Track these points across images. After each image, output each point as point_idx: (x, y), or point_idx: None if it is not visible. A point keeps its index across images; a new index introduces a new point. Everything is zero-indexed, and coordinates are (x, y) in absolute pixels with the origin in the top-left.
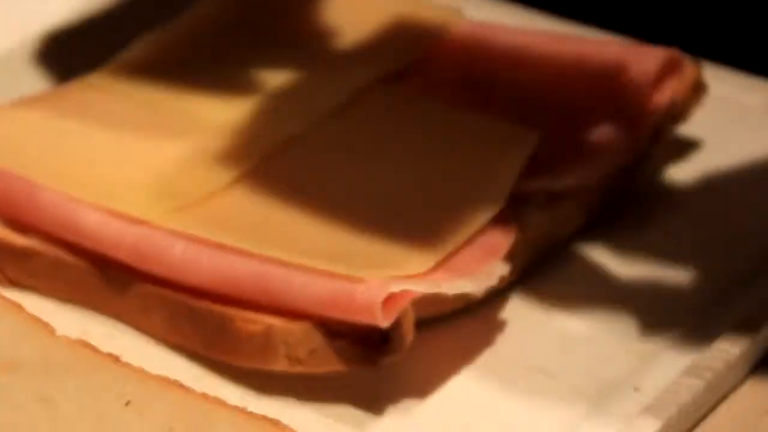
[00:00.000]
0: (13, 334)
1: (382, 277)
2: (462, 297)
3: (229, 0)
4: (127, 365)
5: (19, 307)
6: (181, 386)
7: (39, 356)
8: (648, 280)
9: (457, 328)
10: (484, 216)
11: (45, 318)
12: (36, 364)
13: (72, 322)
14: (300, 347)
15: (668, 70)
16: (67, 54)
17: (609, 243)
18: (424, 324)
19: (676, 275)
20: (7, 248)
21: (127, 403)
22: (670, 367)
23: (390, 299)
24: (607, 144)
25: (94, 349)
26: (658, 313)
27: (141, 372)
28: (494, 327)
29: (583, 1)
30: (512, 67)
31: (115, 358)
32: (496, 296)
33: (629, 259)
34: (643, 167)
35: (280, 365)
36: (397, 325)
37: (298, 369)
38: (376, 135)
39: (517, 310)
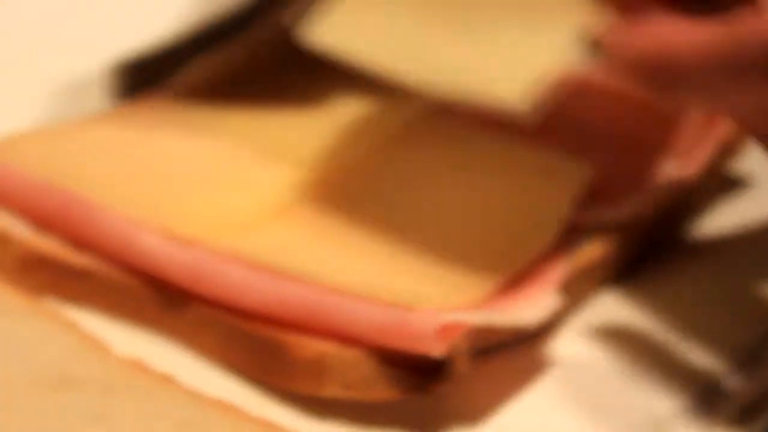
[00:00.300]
0: (69, 352)
1: (435, 306)
2: (514, 328)
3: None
4: (182, 387)
5: (75, 326)
6: (236, 409)
7: (95, 375)
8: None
9: (509, 359)
10: (537, 247)
11: (100, 337)
12: (91, 383)
13: (127, 341)
14: (353, 374)
15: None
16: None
17: (657, 278)
18: (477, 353)
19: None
20: (65, 267)
21: (182, 425)
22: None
23: (443, 329)
24: (662, 176)
25: (150, 370)
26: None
27: (196, 394)
28: (546, 358)
29: None
30: (568, 96)
31: (170, 379)
32: (548, 327)
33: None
34: (697, 202)
35: (334, 391)
36: (450, 354)
37: (352, 395)
38: (431, 164)
39: (570, 342)
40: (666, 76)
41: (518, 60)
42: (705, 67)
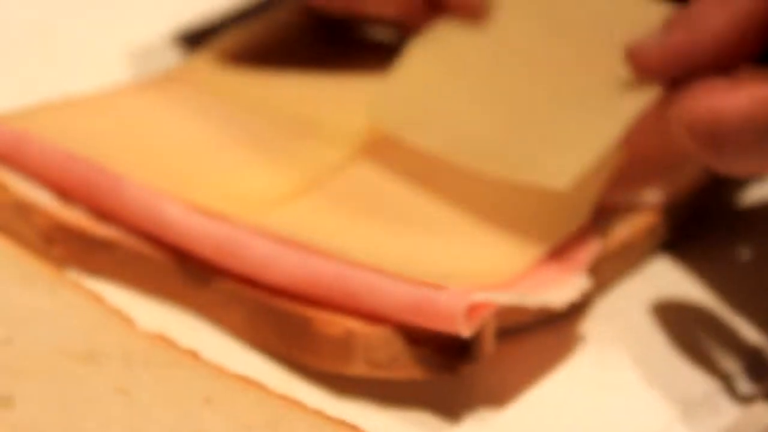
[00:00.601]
0: (93, 325)
1: (465, 285)
2: (544, 309)
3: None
4: (206, 362)
5: (99, 298)
6: (260, 385)
7: (118, 348)
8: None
9: (536, 339)
10: (569, 227)
11: (124, 309)
12: (115, 356)
13: (152, 314)
14: (379, 352)
15: None
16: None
17: (688, 260)
18: (503, 333)
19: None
20: (90, 238)
21: (206, 400)
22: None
23: (472, 308)
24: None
25: (174, 344)
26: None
27: (220, 369)
28: (574, 339)
29: None
30: None
31: (195, 354)
32: (577, 308)
33: (710, 275)
34: (727, 185)
35: (359, 369)
36: (477, 334)
37: (377, 374)
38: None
39: (597, 323)
40: (715, 139)
41: (567, 143)
42: (749, 129)
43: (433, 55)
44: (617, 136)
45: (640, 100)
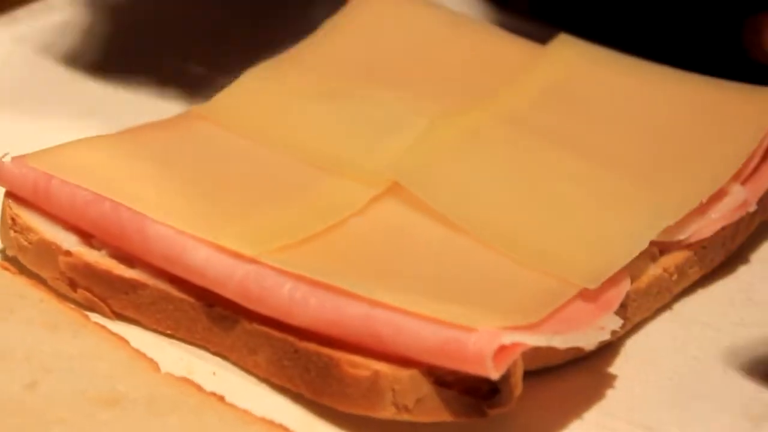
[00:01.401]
0: (118, 369)
1: (493, 327)
2: (572, 349)
3: (336, 38)
4: (231, 406)
5: (124, 342)
6: (286, 429)
7: (142, 393)
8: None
9: (565, 380)
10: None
11: (149, 353)
12: (139, 401)
13: (175, 357)
14: (407, 395)
15: None
16: None
17: (718, 299)
18: (532, 374)
19: None
20: (114, 280)
21: None
22: None
23: (501, 350)
24: (723, 198)
25: (199, 388)
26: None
27: (245, 414)
28: (603, 379)
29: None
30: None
31: (220, 398)
32: (608, 347)
33: (739, 314)
34: (760, 223)
35: (387, 412)
36: (506, 376)
37: (405, 417)
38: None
39: (628, 362)
40: None
41: (600, 243)
42: None
43: (464, 126)
44: (651, 239)
45: (680, 209)
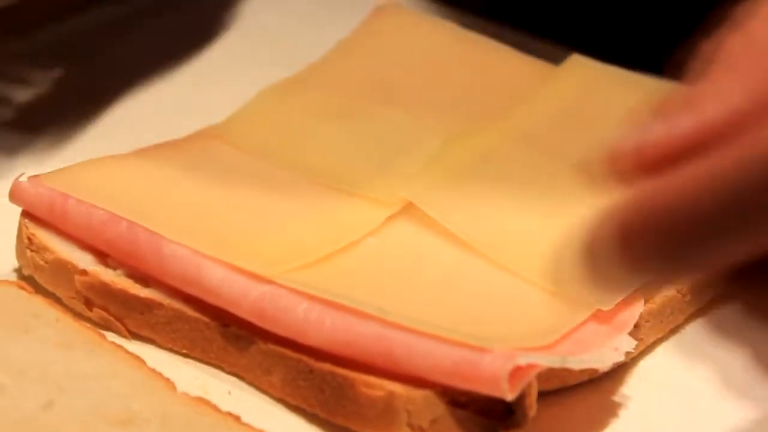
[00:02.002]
0: (133, 388)
1: (508, 348)
2: (587, 370)
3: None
4: (247, 426)
5: (140, 361)
6: None
7: (157, 412)
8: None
9: (579, 400)
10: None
11: (164, 372)
12: (153, 420)
13: (191, 377)
14: (422, 415)
15: None
16: None
17: (731, 321)
18: (546, 395)
19: None
20: (130, 299)
21: None
22: None
23: (515, 371)
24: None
25: (215, 408)
26: None
27: None
28: (617, 400)
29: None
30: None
31: (236, 418)
32: (621, 368)
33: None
34: None
35: None
36: (521, 397)
37: None
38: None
39: (641, 383)
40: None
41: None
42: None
43: (478, 146)
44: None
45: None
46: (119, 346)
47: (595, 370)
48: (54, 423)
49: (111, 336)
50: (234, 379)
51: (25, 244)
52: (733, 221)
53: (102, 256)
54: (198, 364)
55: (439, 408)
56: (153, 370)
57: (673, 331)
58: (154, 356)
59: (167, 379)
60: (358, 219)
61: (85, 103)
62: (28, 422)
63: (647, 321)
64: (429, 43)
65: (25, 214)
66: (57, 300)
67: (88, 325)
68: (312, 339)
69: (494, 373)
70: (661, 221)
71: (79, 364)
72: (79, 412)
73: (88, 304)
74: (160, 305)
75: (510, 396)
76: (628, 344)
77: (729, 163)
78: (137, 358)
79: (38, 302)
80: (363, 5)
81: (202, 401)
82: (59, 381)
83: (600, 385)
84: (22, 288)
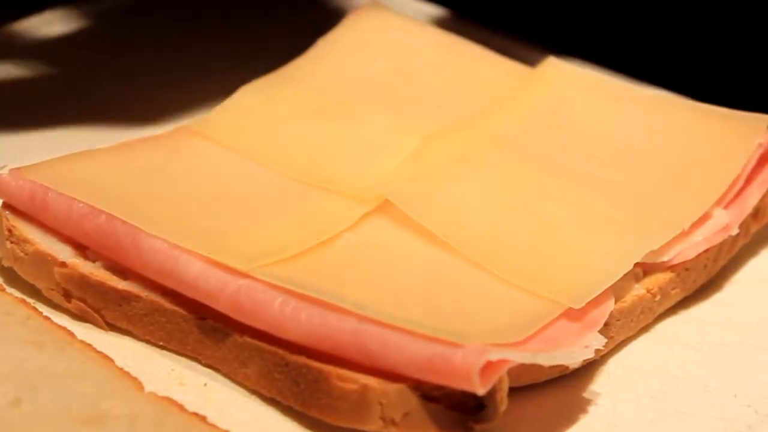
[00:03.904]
0: (102, 387)
1: (480, 343)
2: (557, 367)
3: (329, 57)
4: (213, 427)
5: (109, 361)
6: None
7: (125, 411)
8: (740, 356)
9: (550, 397)
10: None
11: (140, 364)
12: (121, 419)
13: (167, 369)
14: (395, 409)
15: None
16: None
17: (700, 319)
18: (517, 391)
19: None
20: (108, 291)
21: None
22: None
23: (487, 366)
24: (706, 221)
25: (181, 408)
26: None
27: None
28: (587, 397)
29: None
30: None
31: (202, 419)
32: (591, 365)
33: (720, 334)
34: (742, 246)
35: (374, 426)
36: (492, 392)
37: (392, 430)
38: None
39: (610, 380)
40: None
41: (586, 265)
42: None
43: (454, 146)
44: (636, 261)
45: (665, 234)
46: (89, 345)
47: (565, 367)
48: (22, 421)
49: (82, 334)
50: (210, 371)
51: (5, 236)
52: None
53: (81, 249)
54: (174, 356)
55: (412, 402)
56: (122, 370)
57: (643, 329)
58: (131, 348)
59: (135, 379)
60: (335, 215)
61: (66, 97)
62: None
63: (617, 319)
64: (408, 43)
65: (6, 206)
66: (32, 294)
67: (59, 324)
68: (287, 333)
69: (466, 368)
70: None
71: (48, 363)
72: (48, 411)
73: (67, 295)
74: (137, 297)
75: (481, 390)
76: (598, 342)
77: None
78: (107, 357)
79: (9, 300)
80: (344, 4)
81: (169, 401)
82: (28, 379)
83: (570, 382)
84: None
